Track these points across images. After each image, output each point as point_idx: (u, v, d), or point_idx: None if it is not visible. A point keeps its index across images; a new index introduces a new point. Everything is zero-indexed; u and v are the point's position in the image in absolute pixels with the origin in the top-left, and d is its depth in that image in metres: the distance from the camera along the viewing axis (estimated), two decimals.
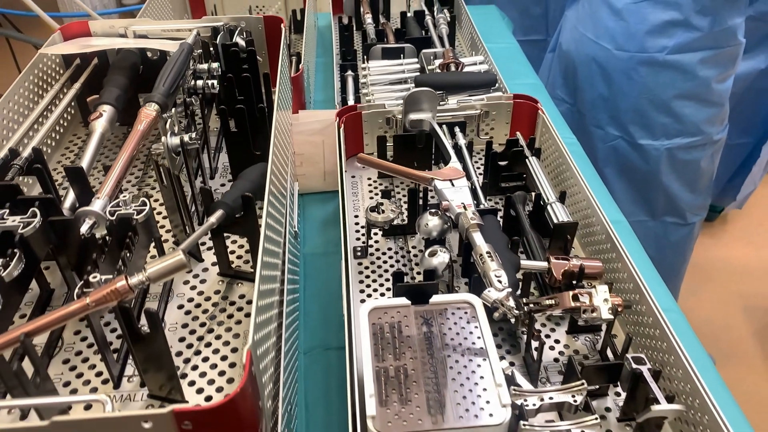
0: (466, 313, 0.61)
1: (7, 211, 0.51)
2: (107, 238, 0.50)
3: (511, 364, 0.65)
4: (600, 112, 1.54)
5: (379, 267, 0.77)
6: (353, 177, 0.92)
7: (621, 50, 1.42)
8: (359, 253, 0.78)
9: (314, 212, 0.98)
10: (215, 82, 0.72)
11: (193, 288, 0.61)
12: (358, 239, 0.80)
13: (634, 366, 0.55)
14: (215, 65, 0.74)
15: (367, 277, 0.75)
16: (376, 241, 0.81)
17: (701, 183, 1.60)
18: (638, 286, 0.62)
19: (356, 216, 0.84)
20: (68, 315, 0.43)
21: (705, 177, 1.60)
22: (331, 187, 1.00)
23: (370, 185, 0.91)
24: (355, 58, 1.23)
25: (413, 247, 0.80)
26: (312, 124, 0.96)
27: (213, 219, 0.54)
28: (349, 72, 1.16)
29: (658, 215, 1.64)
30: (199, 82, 0.72)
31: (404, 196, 0.85)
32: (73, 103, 0.79)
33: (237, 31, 0.81)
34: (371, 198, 0.88)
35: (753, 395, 1.86)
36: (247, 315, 0.59)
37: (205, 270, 0.63)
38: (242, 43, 0.78)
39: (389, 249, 0.79)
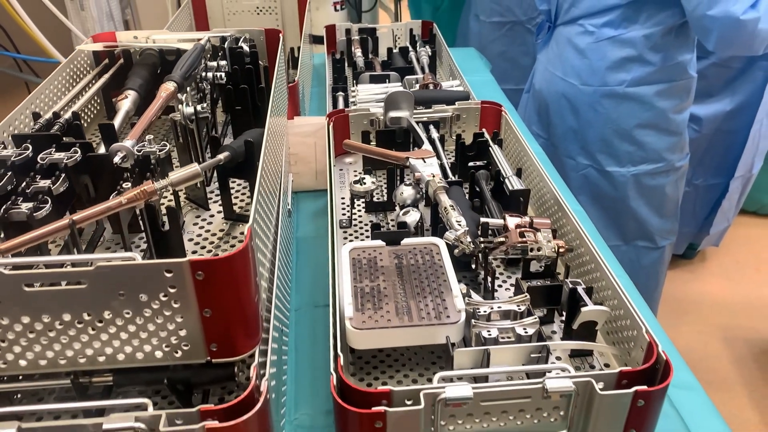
0: (431, 251, 0.72)
1: (54, 149, 0.63)
2: (135, 169, 0.62)
3: None
4: (571, 144, 1.68)
5: (361, 235, 0.88)
6: (341, 170, 1.04)
7: (586, 85, 1.57)
8: (344, 224, 0.90)
9: (306, 207, 1.09)
10: (223, 73, 0.85)
11: (201, 227, 0.72)
12: (344, 214, 0.92)
13: (571, 285, 0.66)
14: (223, 63, 0.88)
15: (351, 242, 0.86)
16: (360, 217, 0.92)
17: (668, 208, 1.71)
18: (579, 233, 0.73)
19: (342, 198, 0.96)
20: (107, 209, 0.54)
21: (671, 202, 1.71)
22: (322, 186, 1.12)
23: (355, 176, 1.03)
24: (346, 83, 1.38)
25: (392, 220, 0.91)
26: (305, 127, 1.09)
27: (221, 156, 0.66)
28: (340, 93, 1.30)
29: (630, 239, 1.74)
30: (209, 74, 0.85)
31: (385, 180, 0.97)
32: (99, 99, 0.92)
33: (242, 39, 0.95)
34: None
35: (734, 418, 1.92)
36: None
37: (212, 216, 0.74)
38: (246, 48, 0.92)
39: (371, 221, 0.90)
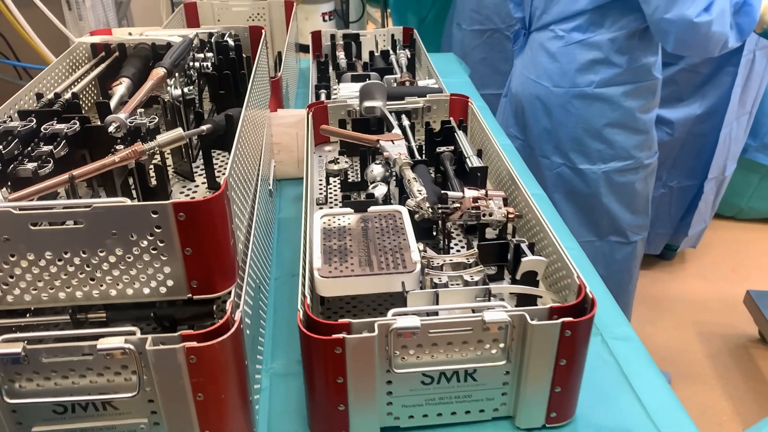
0: (394, 216, 0.80)
1: (56, 121, 0.71)
2: (127, 138, 0.70)
3: None
4: (545, 144, 1.75)
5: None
6: (320, 156, 1.12)
7: (557, 87, 1.65)
8: (320, 201, 0.98)
9: (288, 192, 1.18)
10: (209, 63, 0.94)
11: (187, 196, 0.80)
12: (320, 193, 1.00)
13: (515, 242, 0.74)
14: (210, 54, 0.96)
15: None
16: (335, 195, 1.00)
17: (639, 204, 1.78)
18: (528, 201, 0.82)
19: (320, 180, 1.04)
20: (102, 166, 0.62)
21: (641, 198, 1.78)
22: (303, 174, 1.20)
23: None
24: (329, 82, 1.46)
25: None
26: (288, 118, 1.18)
27: (203, 127, 0.74)
28: (323, 90, 1.39)
29: (603, 235, 1.81)
30: (197, 63, 0.94)
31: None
32: (96, 88, 1.00)
33: (227, 35, 1.04)
34: None
35: (707, 409, 1.99)
36: None
37: (197, 186, 0.82)
38: (231, 42, 1.01)
39: (345, 199, 0.98)
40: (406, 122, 1.09)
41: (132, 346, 0.55)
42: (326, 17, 2.47)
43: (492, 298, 0.71)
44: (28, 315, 0.63)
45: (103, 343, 0.55)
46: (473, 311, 0.64)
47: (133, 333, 0.56)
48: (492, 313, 0.61)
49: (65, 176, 0.61)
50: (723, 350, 2.23)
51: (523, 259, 0.70)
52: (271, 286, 0.92)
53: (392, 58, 1.59)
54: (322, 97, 1.35)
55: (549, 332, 0.61)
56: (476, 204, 0.79)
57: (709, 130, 2.22)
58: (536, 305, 0.73)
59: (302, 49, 1.95)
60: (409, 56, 1.58)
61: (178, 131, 0.66)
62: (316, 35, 1.72)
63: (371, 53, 1.64)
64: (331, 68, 1.64)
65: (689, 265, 2.67)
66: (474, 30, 2.33)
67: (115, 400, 0.59)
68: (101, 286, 0.59)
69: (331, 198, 0.99)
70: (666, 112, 2.19)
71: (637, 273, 1.95)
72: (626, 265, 1.87)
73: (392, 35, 1.75)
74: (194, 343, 0.55)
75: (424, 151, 1.05)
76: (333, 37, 1.71)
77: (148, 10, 2.78)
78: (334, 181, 1.01)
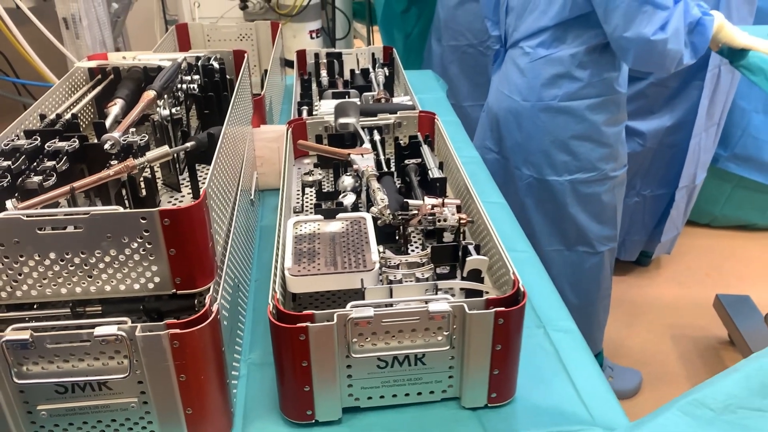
0: (359, 222, 0.89)
1: (57, 139, 0.81)
2: (120, 154, 0.80)
3: None
4: (516, 155, 1.82)
5: None
6: (299, 168, 1.22)
7: (526, 101, 1.73)
8: (297, 209, 1.07)
9: (270, 202, 1.27)
10: (195, 85, 1.04)
11: (173, 204, 0.90)
12: (297, 202, 1.10)
13: (464, 243, 0.84)
14: (196, 77, 1.06)
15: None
16: (311, 204, 1.10)
17: (606, 215, 1.82)
18: (478, 209, 0.91)
19: (297, 190, 1.14)
20: (98, 179, 0.72)
21: (608, 209, 1.82)
22: None
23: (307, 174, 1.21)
24: (312, 99, 1.57)
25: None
26: (270, 133, 1.28)
27: (188, 144, 0.83)
28: (305, 106, 1.49)
29: (571, 245, 1.85)
30: (184, 85, 1.04)
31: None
32: (93, 108, 1.10)
33: (213, 58, 1.14)
34: None
35: None
36: None
37: (183, 197, 0.92)
38: (216, 65, 1.11)
39: (317, 207, 1.08)
40: (377, 137, 1.19)
41: (124, 333, 0.64)
42: (313, 35, 2.58)
43: (444, 292, 0.81)
44: (34, 308, 0.72)
45: (99, 331, 0.64)
46: (423, 303, 0.74)
47: (125, 322, 0.65)
48: (435, 304, 0.70)
49: (66, 188, 0.71)
50: (694, 352, 2.33)
51: (468, 259, 0.80)
52: (252, 287, 1.01)
53: (371, 75, 1.69)
54: (304, 114, 1.45)
55: (484, 320, 0.71)
56: (432, 211, 0.89)
57: (679, 141, 2.33)
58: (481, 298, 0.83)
59: (290, 64, 2.05)
60: (387, 74, 1.68)
61: (165, 148, 0.76)
62: (301, 54, 1.82)
63: (352, 71, 1.74)
64: (314, 85, 1.74)
65: (664, 270, 2.77)
66: (451, 45, 2.45)
67: (110, 381, 0.68)
68: (97, 282, 0.69)
69: (306, 206, 1.08)
70: (637, 123, 2.30)
71: (608, 282, 1.99)
72: (594, 274, 1.91)
73: (372, 54, 1.86)
74: (177, 330, 0.65)
75: (393, 164, 1.15)
76: (317, 55, 1.81)
77: (142, 29, 2.89)
78: (310, 191, 1.11)
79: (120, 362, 0.67)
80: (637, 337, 2.40)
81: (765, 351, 0.82)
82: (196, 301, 0.73)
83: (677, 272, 2.76)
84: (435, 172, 1.04)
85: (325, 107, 1.42)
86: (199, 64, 1.10)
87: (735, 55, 1.70)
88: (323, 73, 1.70)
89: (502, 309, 0.70)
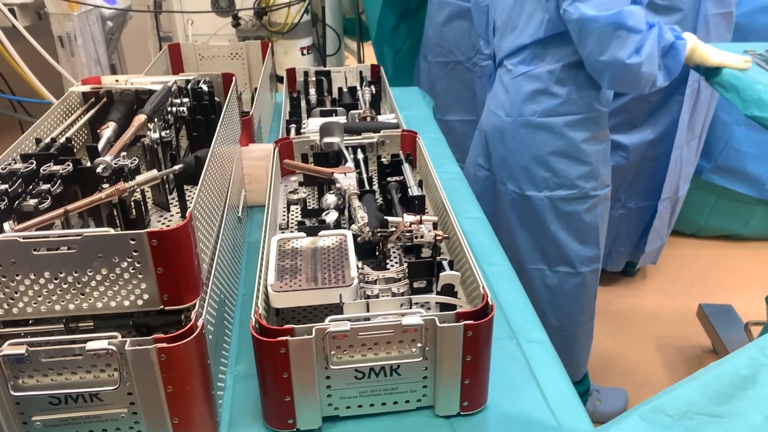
0: (340, 239, 0.94)
1: (52, 163, 0.85)
2: (112, 177, 0.84)
3: None
4: (501, 171, 1.83)
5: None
6: (286, 185, 1.27)
7: (508, 116, 1.75)
8: (283, 226, 1.12)
9: (259, 218, 1.32)
10: (185, 108, 1.08)
11: (163, 224, 0.94)
12: (283, 219, 1.14)
13: (439, 259, 0.88)
14: (186, 100, 1.11)
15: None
16: (296, 220, 1.14)
17: (587, 235, 1.80)
18: (453, 226, 0.96)
19: (284, 208, 1.18)
20: (91, 202, 0.76)
21: (590, 229, 1.80)
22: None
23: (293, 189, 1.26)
24: (301, 117, 1.62)
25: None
26: (258, 152, 1.32)
27: (176, 167, 0.88)
28: (293, 124, 1.54)
29: (553, 264, 1.85)
30: (174, 108, 1.08)
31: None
32: (87, 130, 1.15)
33: (202, 81, 1.19)
34: None
35: None
36: None
37: (172, 216, 0.96)
38: (205, 88, 1.15)
39: (304, 223, 1.13)
40: (360, 156, 1.24)
41: (114, 347, 0.69)
42: (305, 51, 2.63)
43: (420, 306, 0.85)
44: (30, 324, 0.76)
45: (90, 345, 0.69)
46: (397, 317, 0.78)
47: (115, 337, 0.69)
48: (408, 318, 0.75)
49: (60, 210, 0.75)
50: (678, 361, 2.37)
51: (441, 274, 0.85)
52: (239, 301, 1.05)
53: (359, 93, 1.74)
54: (292, 132, 1.50)
55: (454, 333, 0.75)
56: (410, 228, 0.93)
57: (661, 154, 2.38)
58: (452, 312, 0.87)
59: (282, 80, 2.10)
60: (373, 92, 1.73)
61: (153, 172, 0.80)
62: (291, 72, 1.87)
63: (340, 89, 1.79)
64: (303, 103, 1.79)
65: (650, 280, 2.82)
66: (438, 62, 2.50)
67: (101, 393, 0.72)
68: (90, 299, 0.73)
69: (292, 222, 1.13)
70: (621, 137, 2.36)
71: (591, 306, 1.96)
72: (575, 296, 1.88)
73: (360, 72, 1.91)
74: (164, 344, 0.69)
75: (376, 182, 1.20)
76: (306, 74, 1.86)
77: (137, 46, 2.94)
78: (295, 208, 1.15)
79: (111, 375, 0.71)
80: (623, 346, 2.44)
81: (722, 360, 0.87)
82: (183, 316, 0.78)
83: (663, 282, 2.81)
84: (414, 190, 1.08)
85: (313, 125, 1.47)
86: (189, 87, 1.15)
87: (710, 72, 1.76)
88: (312, 91, 1.75)
89: (471, 322, 0.75)
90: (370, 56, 2.91)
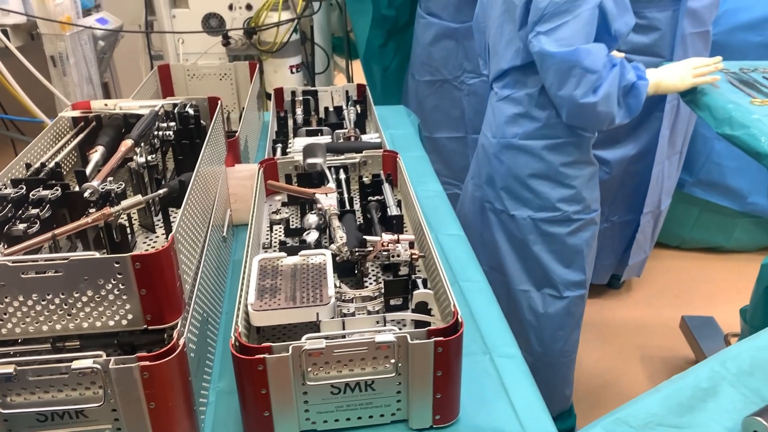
0: (320, 259, 0.98)
1: (41, 188, 0.89)
2: (99, 201, 0.88)
3: None
4: (489, 190, 1.84)
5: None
6: (270, 205, 1.31)
7: (494, 137, 1.77)
8: (266, 245, 1.16)
9: (244, 236, 1.34)
10: (171, 132, 1.12)
11: (149, 245, 0.98)
12: (267, 238, 1.18)
13: (414, 278, 0.92)
14: (172, 124, 1.15)
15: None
16: (279, 239, 1.18)
17: (572, 258, 1.79)
18: (428, 245, 1.00)
19: (267, 227, 1.22)
20: (78, 226, 0.80)
21: (574, 253, 1.78)
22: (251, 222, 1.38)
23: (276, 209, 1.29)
24: (287, 136, 1.66)
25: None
26: (243, 172, 1.36)
27: (160, 191, 0.91)
28: (279, 144, 1.58)
29: (538, 286, 1.84)
30: (161, 132, 1.12)
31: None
32: (76, 153, 1.18)
33: (189, 105, 1.23)
34: None
35: None
36: None
37: (157, 237, 1.00)
38: (191, 111, 1.19)
39: (288, 243, 1.16)
40: (342, 176, 1.28)
41: (99, 366, 0.72)
42: (294, 69, 2.68)
43: (397, 323, 0.89)
44: (18, 343, 0.79)
45: (76, 364, 0.72)
46: (372, 334, 0.82)
47: (100, 356, 0.73)
48: (381, 336, 0.78)
49: (48, 235, 0.79)
50: (662, 372, 2.41)
51: (415, 292, 0.88)
52: (223, 319, 1.09)
53: (344, 112, 1.79)
54: (278, 152, 1.54)
55: (425, 349, 0.79)
56: (387, 247, 0.97)
57: (643, 169, 2.43)
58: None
59: (270, 97, 2.14)
60: (359, 111, 1.77)
61: (138, 198, 0.84)
62: (279, 92, 1.92)
63: (326, 109, 1.84)
64: (290, 122, 1.83)
65: (635, 292, 2.87)
66: (426, 80, 2.56)
67: (86, 410, 0.75)
68: (76, 320, 0.76)
69: (275, 241, 1.16)
70: (603, 152, 2.40)
71: (574, 337, 1.93)
72: (559, 321, 1.86)
73: (347, 91, 1.95)
74: (147, 363, 0.72)
75: (358, 201, 1.24)
76: (293, 93, 1.91)
77: (129, 63, 2.98)
78: (278, 228, 1.19)
79: (95, 392, 0.74)
80: (608, 358, 2.48)
81: (685, 373, 0.91)
82: (165, 334, 0.81)
83: (648, 294, 2.86)
84: (393, 210, 1.12)
85: (299, 145, 1.51)
86: (176, 111, 1.19)
87: (684, 91, 1.82)
88: (298, 110, 1.80)
89: (441, 338, 0.78)
90: (359, 74, 2.96)
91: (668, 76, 1.62)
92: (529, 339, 1.91)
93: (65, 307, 0.75)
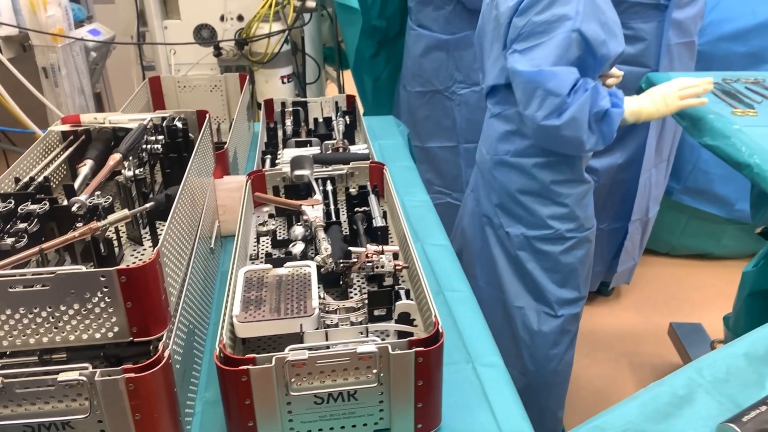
0: (305, 271, 0.99)
1: (30, 202, 0.90)
2: (87, 215, 0.90)
3: None
4: (486, 205, 1.83)
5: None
6: (258, 216, 1.32)
7: (488, 153, 1.76)
8: (253, 256, 1.17)
9: (231, 247, 1.36)
10: (159, 146, 1.14)
11: (136, 258, 0.99)
12: (254, 250, 1.19)
13: (397, 288, 0.94)
14: (161, 137, 1.17)
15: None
16: (266, 250, 1.20)
17: (566, 277, 1.76)
18: (411, 256, 1.02)
19: (255, 238, 1.24)
20: (65, 240, 0.81)
21: (569, 271, 1.75)
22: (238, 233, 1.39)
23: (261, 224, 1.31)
24: (277, 147, 1.68)
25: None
26: (232, 184, 1.38)
27: (147, 205, 0.93)
28: (268, 155, 1.60)
29: (532, 303, 1.81)
30: (149, 146, 1.14)
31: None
32: (66, 166, 1.20)
33: (177, 118, 1.25)
34: None
35: None
36: None
37: (145, 249, 1.02)
38: (180, 125, 1.21)
39: (275, 255, 1.18)
40: (329, 187, 1.30)
41: (85, 378, 0.73)
42: (285, 80, 2.70)
43: (381, 333, 0.91)
44: (6, 356, 0.81)
45: (62, 376, 0.73)
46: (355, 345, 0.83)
47: (86, 368, 0.74)
48: (363, 347, 0.80)
49: (36, 249, 0.80)
50: (651, 378, 2.43)
51: (397, 303, 0.90)
52: (210, 329, 1.10)
53: (333, 123, 1.81)
54: (267, 163, 1.56)
55: (406, 360, 0.80)
56: (370, 258, 0.99)
57: (631, 177, 2.46)
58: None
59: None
60: (348, 122, 1.79)
61: (124, 212, 0.86)
62: (269, 103, 1.94)
63: (315, 120, 1.86)
64: (280, 133, 1.85)
65: (624, 299, 2.89)
66: (417, 91, 2.58)
67: (72, 421, 0.76)
68: (62, 333, 0.78)
69: (262, 253, 1.18)
70: (591, 161, 2.43)
71: (568, 358, 1.90)
72: (553, 339, 1.83)
73: (336, 102, 1.97)
74: (132, 374, 0.74)
75: (344, 212, 1.26)
76: (283, 104, 1.93)
77: (122, 73, 3.00)
78: (265, 239, 1.21)
79: (81, 404, 0.76)
80: (597, 365, 2.50)
81: (662, 380, 0.93)
82: (151, 346, 0.82)
83: (637, 301, 2.88)
84: (378, 221, 1.14)
85: (288, 156, 1.53)
86: (164, 124, 1.20)
87: None
88: (288, 121, 1.81)
89: (422, 349, 0.80)
90: (350, 83, 2.98)
91: (651, 103, 1.58)
92: (522, 357, 1.88)
93: (52, 320, 0.76)
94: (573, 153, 1.60)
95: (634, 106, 1.57)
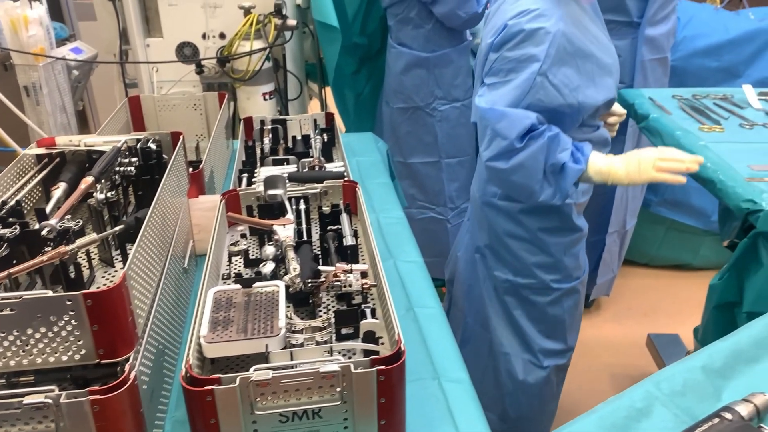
0: (272, 290, 1.01)
1: (1, 226, 0.92)
2: (57, 239, 0.91)
3: None
4: (478, 241, 1.76)
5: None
6: (232, 235, 1.34)
7: (478, 191, 1.73)
8: (225, 276, 1.19)
9: None
10: (132, 168, 1.16)
11: (107, 279, 1.01)
12: (227, 269, 1.21)
13: (363, 307, 0.96)
14: (134, 159, 1.19)
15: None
16: (239, 270, 1.21)
17: (552, 328, 1.71)
18: (378, 274, 1.04)
19: (227, 258, 1.25)
20: (33, 264, 0.83)
21: (556, 323, 1.70)
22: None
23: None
24: (255, 166, 1.70)
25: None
26: (206, 203, 1.40)
27: (117, 228, 0.95)
28: (245, 174, 1.62)
29: (517, 352, 1.76)
30: (122, 168, 1.16)
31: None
32: (40, 189, 1.21)
33: (151, 140, 1.27)
34: None
35: None
36: None
37: (116, 271, 1.03)
38: (154, 146, 1.23)
39: (246, 274, 1.20)
40: (302, 206, 1.32)
41: (50, 401, 0.75)
42: (267, 97, 2.73)
43: (347, 352, 0.93)
44: None
45: (28, 399, 0.75)
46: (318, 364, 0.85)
47: (52, 390, 0.76)
48: (326, 366, 0.82)
49: (4, 273, 0.82)
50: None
51: (362, 322, 0.92)
52: (182, 349, 1.12)
53: (311, 141, 1.83)
54: (244, 182, 1.58)
55: (368, 378, 0.82)
56: (338, 277, 1.01)
57: (608, 190, 2.50)
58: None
59: None
60: (325, 140, 1.82)
61: (92, 236, 0.88)
62: (248, 121, 1.96)
63: (294, 137, 1.88)
64: (258, 151, 1.87)
65: (604, 311, 2.92)
66: (399, 108, 2.62)
67: None
68: (30, 356, 0.79)
69: (234, 273, 1.20)
70: None
71: (552, 406, 1.87)
72: (536, 390, 1.77)
73: (315, 120, 2.00)
74: (97, 396, 0.75)
75: (317, 231, 1.28)
76: (263, 122, 1.95)
77: (105, 90, 3.01)
78: (237, 259, 1.23)
79: (47, 426, 0.77)
80: (577, 376, 2.52)
81: (621, 394, 0.96)
82: (119, 368, 0.84)
83: (617, 312, 2.92)
84: (348, 240, 1.17)
85: (264, 174, 1.55)
86: (138, 146, 1.22)
87: (638, 117, 1.89)
88: (266, 140, 1.84)
89: (383, 367, 0.82)
90: (333, 99, 3.01)
91: (623, 167, 1.44)
92: (504, 404, 1.84)
93: (19, 343, 0.78)
94: (526, 202, 1.54)
95: (603, 166, 1.44)
